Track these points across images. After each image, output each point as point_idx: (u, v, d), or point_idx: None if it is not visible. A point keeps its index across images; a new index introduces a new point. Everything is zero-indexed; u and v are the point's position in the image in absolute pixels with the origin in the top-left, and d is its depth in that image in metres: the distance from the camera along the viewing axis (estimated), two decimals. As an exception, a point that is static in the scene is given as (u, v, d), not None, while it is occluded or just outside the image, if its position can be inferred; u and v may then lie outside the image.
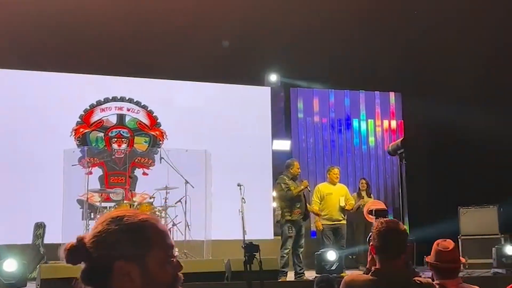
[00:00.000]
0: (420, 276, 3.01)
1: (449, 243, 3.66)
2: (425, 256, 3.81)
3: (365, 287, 2.87)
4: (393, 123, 12.99)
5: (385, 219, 3.06)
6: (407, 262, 3.06)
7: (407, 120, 12.85)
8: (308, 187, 8.99)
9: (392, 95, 13.08)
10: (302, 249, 8.75)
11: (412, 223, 12.30)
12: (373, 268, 2.93)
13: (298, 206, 8.67)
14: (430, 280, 2.92)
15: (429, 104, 11.52)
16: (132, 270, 1.39)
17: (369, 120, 12.84)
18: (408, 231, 12.06)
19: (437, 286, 2.89)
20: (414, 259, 10.49)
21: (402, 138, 5.26)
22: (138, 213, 1.47)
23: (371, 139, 12.80)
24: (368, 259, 3.32)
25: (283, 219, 8.64)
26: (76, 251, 1.40)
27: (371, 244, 2.98)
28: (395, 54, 11.46)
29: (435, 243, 3.68)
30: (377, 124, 12.88)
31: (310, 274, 8.71)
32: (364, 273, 3.19)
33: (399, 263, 2.90)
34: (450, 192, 10.99)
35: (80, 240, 1.41)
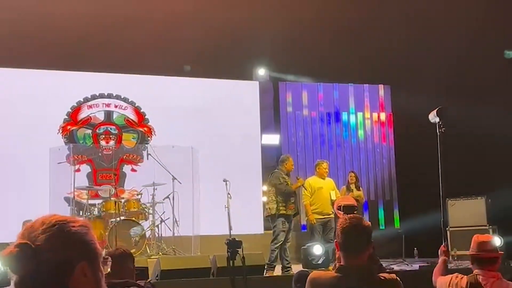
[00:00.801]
0: (387, 272, 3.01)
1: (488, 236, 4.25)
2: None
3: (329, 284, 2.87)
4: (382, 116, 12.99)
5: (349, 215, 3.06)
6: (374, 257, 3.06)
7: (396, 112, 12.84)
8: (303, 185, 9.02)
9: (381, 87, 13.07)
10: (289, 243, 8.80)
11: (402, 215, 12.38)
12: (337, 265, 2.94)
13: (292, 201, 8.75)
14: (394, 275, 2.92)
15: (419, 96, 11.51)
16: (89, 272, 1.40)
17: (358, 113, 12.84)
18: (398, 223, 12.04)
19: (400, 282, 2.89)
20: (403, 251, 10.57)
21: (438, 108, 5.43)
22: (76, 218, 1.47)
23: (360, 132, 12.79)
24: (337, 255, 3.33)
25: (277, 212, 8.69)
26: (25, 257, 1.34)
27: (336, 241, 2.98)
28: (383, 46, 11.44)
29: (475, 236, 4.10)
30: (366, 117, 12.88)
31: (299, 268, 8.71)
32: (333, 268, 3.20)
33: (363, 259, 2.90)
34: (438, 183, 10.97)
35: (28, 245, 1.35)
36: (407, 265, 9.56)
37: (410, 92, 11.75)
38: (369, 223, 2.97)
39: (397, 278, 2.92)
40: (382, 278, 2.88)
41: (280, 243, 8.60)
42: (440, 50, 11.26)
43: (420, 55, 11.47)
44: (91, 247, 1.43)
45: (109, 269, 1.52)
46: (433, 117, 5.69)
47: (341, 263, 2.92)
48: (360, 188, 10.68)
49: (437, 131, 5.68)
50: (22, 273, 1.35)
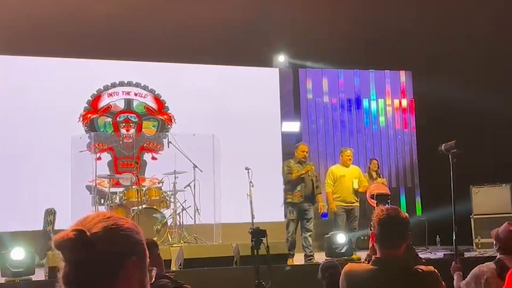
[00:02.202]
0: (424, 263, 2.93)
1: None
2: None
3: (365, 277, 2.80)
4: (404, 102, 12.81)
5: (386, 206, 2.98)
6: (411, 248, 2.98)
7: (418, 98, 12.67)
8: (309, 172, 8.82)
9: (402, 73, 12.88)
10: (310, 233, 8.71)
11: (424, 203, 12.24)
12: (373, 257, 2.86)
13: (299, 189, 8.69)
14: (432, 267, 2.84)
15: (441, 82, 11.34)
16: (138, 269, 1.37)
17: (379, 100, 12.67)
18: (420, 211, 11.91)
19: (438, 274, 2.82)
20: (426, 238, 10.46)
21: (455, 140, 5.56)
22: (125, 218, 1.45)
23: (382, 118, 12.63)
24: (370, 246, 3.25)
25: (285, 201, 8.82)
26: (80, 242, 1.30)
27: (371, 232, 2.90)
28: (405, 31, 11.27)
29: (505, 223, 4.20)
30: (388, 104, 12.70)
31: (321, 257, 8.67)
32: (365, 260, 3.13)
33: (400, 252, 2.82)
34: (462, 171, 10.80)
35: (84, 232, 1.32)
36: (431, 253, 9.47)
37: (431, 78, 11.58)
38: (407, 214, 2.89)
39: (435, 270, 2.84)
40: (420, 270, 2.80)
41: (291, 232, 8.59)
42: (462, 35, 11.06)
43: (442, 40, 11.28)
44: (141, 247, 1.41)
45: (154, 279, 1.47)
46: (449, 147, 5.71)
47: (377, 256, 2.85)
48: (380, 175, 10.58)
49: (451, 161, 5.70)
50: (74, 260, 1.31)
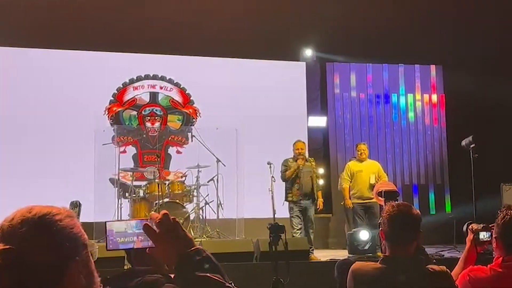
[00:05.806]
0: (435, 263, 2.78)
1: None
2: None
3: (373, 276, 2.67)
4: (434, 97, 12.51)
5: (396, 202, 2.84)
6: (420, 248, 2.83)
7: (449, 93, 12.36)
8: (298, 167, 8.62)
9: (433, 68, 12.58)
10: (311, 230, 8.63)
11: (454, 200, 11.96)
12: (382, 255, 2.72)
13: (297, 187, 8.62)
14: (444, 267, 2.69)
15: (472, 77, 11.06)
16: (82, 267, 1.26)
17: (408, 95, 12.39)
18: (450, 209, 11.58)
19: (451, 274, 2.66)
20: (454, 236, 10.19)
21: (473, 135, 5.38)
22: (59, 209, 1.29)
23: (411, 114, 12.35)
24: (382, 245, 3.10)
25: (285, 199, 8.73)
26: (9, 265, 1.15)
27: (381, 229, 2.76)
28: (435, 25, 11.01)
29: None
30: (417, 99, 12.41)
31: (343, 254, 8.53)
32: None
33: (411, 250, 2.68)
34: (493, 168, 10.52)
35: (12, 250, 1.15)
36: (459, 252, 9.22)
37: (463, 73, 11.29)
38: (419, 211, 2.74)
39: (447, 270, 2.69)
40: (431, 270, 2.65)
41: (296, 229, 8.49)
42: (495, 29, 10.76)
43: (474, 34, 10.98)
44: (80, 240, 1.27)
45: (97, 255, 1.35)
46: (468, 142, 5.53)
47: (386, 254, 2.71)
48: None
49: (471, 156, 5.54)
50: (8, 284, 1.15)
